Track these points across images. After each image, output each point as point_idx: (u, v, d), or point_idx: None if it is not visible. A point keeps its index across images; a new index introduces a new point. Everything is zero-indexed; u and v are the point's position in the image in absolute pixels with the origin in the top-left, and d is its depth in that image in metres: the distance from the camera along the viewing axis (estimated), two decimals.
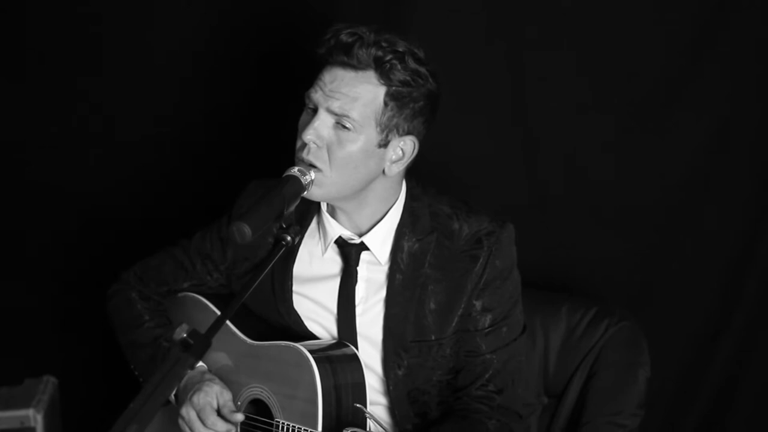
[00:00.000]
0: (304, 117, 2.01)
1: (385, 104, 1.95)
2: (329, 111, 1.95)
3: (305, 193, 1.95)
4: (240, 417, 2.02)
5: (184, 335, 1.47)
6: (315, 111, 1.97)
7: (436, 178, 2.27)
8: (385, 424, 1.85)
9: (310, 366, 1.95)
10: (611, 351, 2.35)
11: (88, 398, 3.06)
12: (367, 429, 1.89)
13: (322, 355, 1.98)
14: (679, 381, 2.93)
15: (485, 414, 2.04)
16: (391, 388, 2.05)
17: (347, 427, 1.84)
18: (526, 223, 2.74)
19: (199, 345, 1.47)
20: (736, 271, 2.81)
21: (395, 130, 1.98)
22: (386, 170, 2.01)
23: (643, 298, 2.77)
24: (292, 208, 1.89)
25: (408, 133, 1.99)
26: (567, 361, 2.39)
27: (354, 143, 1.95)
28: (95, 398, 3.04)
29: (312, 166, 1.96)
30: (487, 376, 2.05)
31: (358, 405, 1.94)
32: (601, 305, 2.42)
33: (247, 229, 1.77)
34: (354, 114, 1.94)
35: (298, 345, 2.00)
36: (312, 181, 1.94)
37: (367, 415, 1.87)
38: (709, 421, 3.00)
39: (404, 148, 2.01)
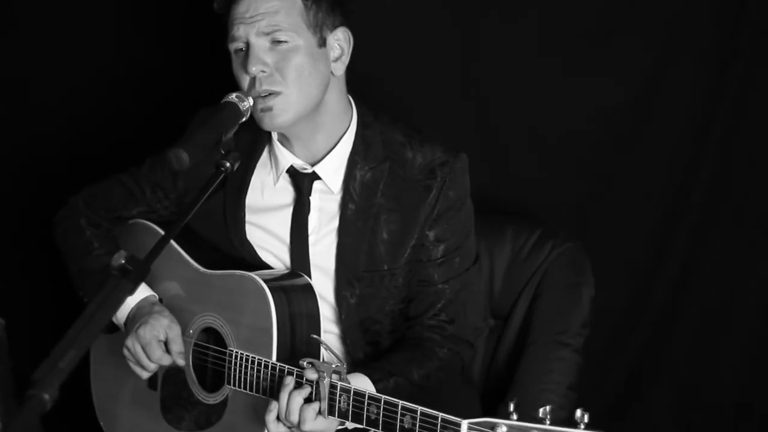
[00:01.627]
0: (236, 62, 1.99)
1: (305, 5, 1.95)
2: (260, 34, 1.93)
3: (272, 124, 1.96)
4: (182, 362, 2.03)
5: (122, 261, 1.46)
6: (246, 47, 1.95)
7: (386, 109, 2.26)
8: (339, 354, 1.85)
9: (265, 295, 1.94)
10: (556, 272, 2.38)
11: (35, 338, 3.04)
12: (321, 359, 1.90)
13: (277, 285, 1.98)
14: (624, 300, 2.98)
15: (436, 343, 2.06)
16: (343, 317, 2.06)
17: (301, 357, 1.84)
18: (470, 149, 2.74)
19: (138, 271, 1.45)
20: (677, 194, 2.85)
21: (325, 26, 1.98)
22: (333, 71, 2.00)
23: (586, 221, 2.79)
24: (231, 134, 1.87)
25: (337, 26, 2.00)
26: (512, 283, 2.42)
27: (297, 52, 1.95)
28: (43, 338, 3.01)
29: (271, 93, 1.94)
30: (439, 305, 2.07)
31: (314, 336, 1.94)
32: (546, 227, 2.45)
33: (184, 155, 1.75)
34: (283, 24, 1.93)
35: (252, 274, 2.00)
36: (250, 107, 1.92)
37: (323, 346, 1.87)
38: (653, 340, 3.05)
39: (340, 42, 2.01)
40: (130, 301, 2.08)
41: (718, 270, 2.97)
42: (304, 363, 1.81)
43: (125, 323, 2.09)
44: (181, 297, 2.11)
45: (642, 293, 2.99)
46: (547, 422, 1.51)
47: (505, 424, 1.54)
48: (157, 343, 2.01)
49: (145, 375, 2.05)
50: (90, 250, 2.18)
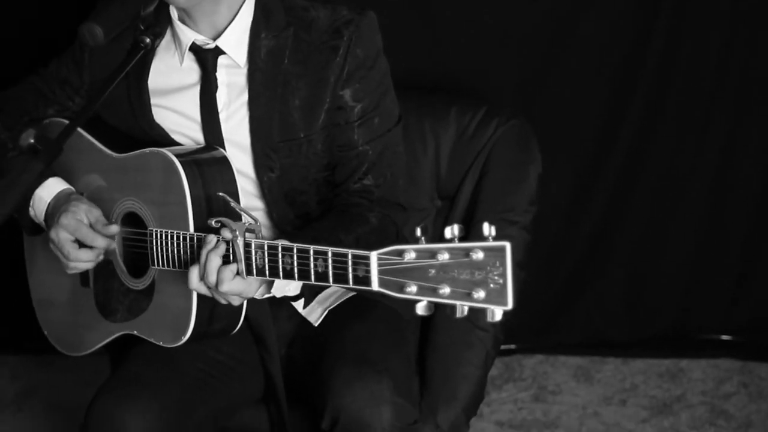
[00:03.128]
0: None
1: None
2: None
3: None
4: (115, 228, 1.95)
5: (32, 141, 1.37)
6: None
7: None
8: (251, 213, 1.78)
9: (175, 168, 1.88)
10: (502, 149, 2.32)
11: None
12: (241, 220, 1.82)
13: (188, 158, 1.91)
14: (575, 176, 2.94)
15: (365, 207, 1.99)
16: (266, 191, 1.99)
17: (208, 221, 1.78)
18: (411, 28, 2.66)
19: (49, 150, 1.36)
20: (625, 72, 2.79)
21: None
22: None
23: (532, 99, 2.73)
24: (151, 8, 1.76)
25: None
26: (458, 162, 2.35)
27: None
28: None
29: None
30: (363, 169, 2.00)
31: (220, 194, 1.87)
32: (490, 105, 2.38)
33: (97, 30, 1.65)
34: None
35: (162, 150, 1.93)
36: None
37: (231, 204, 1.80)
38: (603, 221, 3.03)
39: None
40: (46, 197, 2.00)
41: (667, 152, 2.95)
42: (212, 222, 1.76)
43: (45, 220, 2.00)
44: (103, 188, 2.03)
45: (590, 174, 2.96)
46: (456, 241, 1.46)
47: (414, 249, 1.48)
48: (86, 227, 1.94)
49: (76, 266, 1.97)
50: (4, 153, 2.09)
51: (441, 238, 1.50)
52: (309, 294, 1.94)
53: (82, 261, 1.95)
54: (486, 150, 2.32)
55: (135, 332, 1.99)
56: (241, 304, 1.91)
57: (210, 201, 1.88)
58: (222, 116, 1.98)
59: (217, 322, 1.92)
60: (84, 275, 2.07)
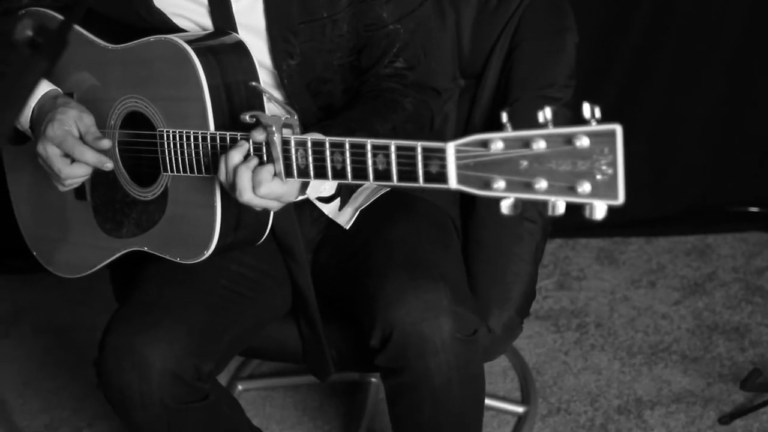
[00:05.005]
0: None
1: None
2: None
3: None
4: (107, 143, 1.68)
5: (29, 33, 1.11)
6: None
7: None
8: (287, 106, 1.53)
9: (189, 58, 1.61)
10: (533, 18, 2.07)
11: None
12: (267, 112, 1.58)
13: (201, 46, 1.64)
14: (595, 47, 2.73)
15: (398, 92, 1.75)
16: (285, 81, 1.73)
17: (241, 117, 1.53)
18: None
19: (52, 43, 1.10)
20: None
21: None
22: None
23: None
24: None
25: None
26: (483, 35, 2.10)
27: None
28: None
29: None
30: (394, 50, 1.75)
31: (253, 83, 1.62)
32: None
33: None
34: None
35: (170, 37, 1.66)
36: None
37: (265, 96, 1.55)
38: (627, 90, 2.84)
39: None
40: (31, 100, 1.73)
41: (690, 16, 2.75)
42: (247, 117, 1.50)
43: (31, 128, 1.74)
44: (96, 86, 1.76)
45: (611, 45, 2.76)
46: (550, 126, 1.24)
47: (501, 138, 1.26)
48: (74, 138, 1.67)
49: (67, 183, 1.71)
50: None
51: (496, 125, 1.28)
52: (346, 193, 1.71)
53: (76, 177, 1.69)
54: (515, 19, 2.07)
55: (145, 249, 1.75)
56: (268, 211, 1.68)
57: (230, 94, 1.63)
58: None
59: (242, 232, 1.68)
60: (79, 187, 1.82)
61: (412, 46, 1.76)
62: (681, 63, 2.84)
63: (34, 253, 1.95)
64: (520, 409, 2.38)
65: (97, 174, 1.76)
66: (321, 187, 1.65)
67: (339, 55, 1.75)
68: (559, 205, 1.26)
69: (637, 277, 2.84)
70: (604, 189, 1.22)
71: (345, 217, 1.80)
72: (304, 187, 1.60)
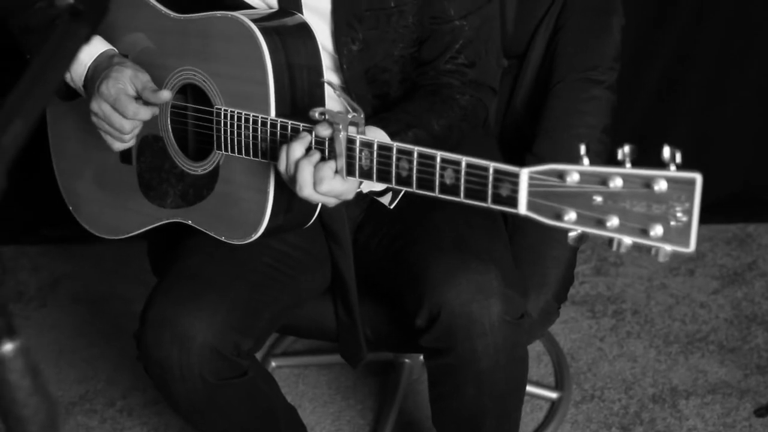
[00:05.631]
0: None
1: None
2: None
3: None
4: (167, 94, 1.65)
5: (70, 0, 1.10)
6: None
7: None
8: (355, 103, 1.51)
9: (255, 38, 1.59)
10: None
11: None
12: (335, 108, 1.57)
13: (267, 25, 1.62)
14: (643, 30, 2.70)
15: (456, 89, 1.73)
16: (345, 66, 1.71)
17: (303, 110, 1.51)
18: None
19: (94, 9, 1.09)
20: None
21: None
22: None
23: None
24: None
25: None
26: (528, 15, 2.07)
27: None
28: None
29: None
30: (457, 46, 1.73)
31: (324, 80, 1.61)
32: None
33: None
34: None
35: (236, 13, 1.63)
36: None
37: (336, 92, 1.53)
38: (667, 75, 2.80)
39: None
40: (85, 59, 1.72)
41: (734, 12, 2.70)
42: (316, 114, 1.48)
43: (84, 86, 1.73)
44: (152, 50, 1.74)
45: (651, 32, 2.71)
46: (628, 164, 1.22)
47: (578, 171, 1.24)
48: (127, 97, 1.65)
49: (117, 144, 1.71)
50: (31, 3, 1.80)
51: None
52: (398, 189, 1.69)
53: (128, 137, 1.68)
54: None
55: (189, 222, 1.74)
56: None
57: (293, 79, 1.61)
58: None
59: (291, 216, 1.67)
60: (126, 151, 1.81)
61: (475, 44, 1.73)
62: (724, 51, 2.79)
63: (71, 208, 1.94)
64: (553, 395, 2.37)
65: (146, 141, 1.76)
66: (376, 184, 1.64)
67: (401, 45, 1.73)
68: (625, 243, 1.24)
69: (675, 264, 2.81)
70: (676, 235, 1.21)
71: (389, 197, 1.79)
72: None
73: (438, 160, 1.38)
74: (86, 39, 1.10)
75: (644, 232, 1.21)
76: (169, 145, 1.75)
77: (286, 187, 1.54)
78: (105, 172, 1.87)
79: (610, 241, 1.23)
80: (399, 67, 1.75)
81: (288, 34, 1.63)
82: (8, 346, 0.94)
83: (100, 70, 1.69)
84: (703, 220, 2.92)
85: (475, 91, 1.74)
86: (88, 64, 1.72)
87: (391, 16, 1.70)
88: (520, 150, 2.03)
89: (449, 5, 1.71)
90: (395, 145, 1.43)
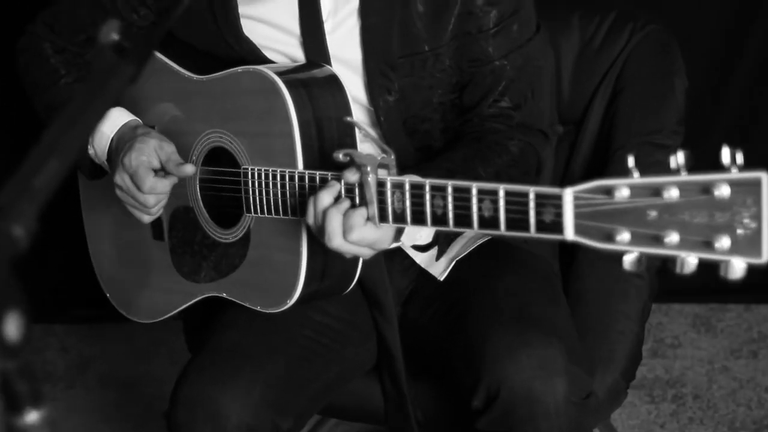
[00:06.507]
0: None
1: None
2: None
3: None
4: (191, 168, 1.58)
5: (115, 36, 1.01)
6: None
7: None
8: (381, 144, 1.41)
9: (278, 90, 1.50)
10: (639, 61, 1.93)
11: None
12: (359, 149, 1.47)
13: (292, 78, 1.53)
14: (706, 89, 2.61)
15: (503, 134, 1.61)
16: (382, 119, 1.60)
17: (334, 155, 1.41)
18: None
19: (139, 47, 1.00)
20: None
21: None
22: None
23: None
24: None
25: None
26: (585, 79, 1.97)
27: None
28: None
29: None
30: (500, 88, 1.62)
31: (348, 118, 1.51)
32: (621, 8, 1.99)
33: None
34: None
35: (258, 67, 1.55)
36: None
37: (361, 132, 1.44)
38: (736, 134, 2.69)
39: None
40: (108, 131, 1.65)
41: None
42: (340, 155, 1.38)
43: (108, 159, 1.65)
44: (178, 119, 1.66)
45: (722, 85, 2.62)
46: (683, 173, 1.11)
47: (627, 185, 1.13)
48: (146, 170, 1.57)
49: (146, 217, 1.61)
50: (56, 80, 1.74)
51: (597, 176, 1.17)
52: (444, 241, 1.57)
53: (153, 211, 1.59)
54: (619, 62, 1.93)
55: (224, 295, 1.63)
56: (357, 258, 1.55)
57: (321, 131, 1.51)
58: (327, 26, 1.60)
59: (328, 281, 1.56)
60: (157, 226, 1.71)
61: (518, 84, 1.63)
62: None
63: (108, 295, 1.84)
64: None
65: (177, 214, 1.66)
66: (417, 235, 1.53)
67: (440, 92, 1.63)
68: (690, 262, 1.14)
69: (736, 346, 2.66)
70: (745, 245, 1.09)
71: (439, 267, 1.67)
72: (398, 233, 1.47)
73: (474, 192, 1.28)
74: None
75: (708, 246, 1.09)
76: (200, 215, 1.66)
77: (321, 246, 1.43)
78: (138, 250, 1.78)
79: (671, 261, 1.12)
80: (439, 116, 1.65)
81: (315, 86, 1.54)
82: (33, 416, 0.83)
83: (123, 141, 1.61)
84: (764, 300, 2.82)
85: (524, 135, 1.63)
86: (111, 136, 1.64)
87: (426, 61, 1.60)
88: None
89: (488, 45, 1.60)
90: (428, 181, 1.32)
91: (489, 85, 1.62)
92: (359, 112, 1.62)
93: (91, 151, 1.67)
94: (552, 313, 1.58)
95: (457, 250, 1.67)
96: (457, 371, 1.56)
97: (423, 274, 1.69)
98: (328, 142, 1.51)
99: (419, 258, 1.68)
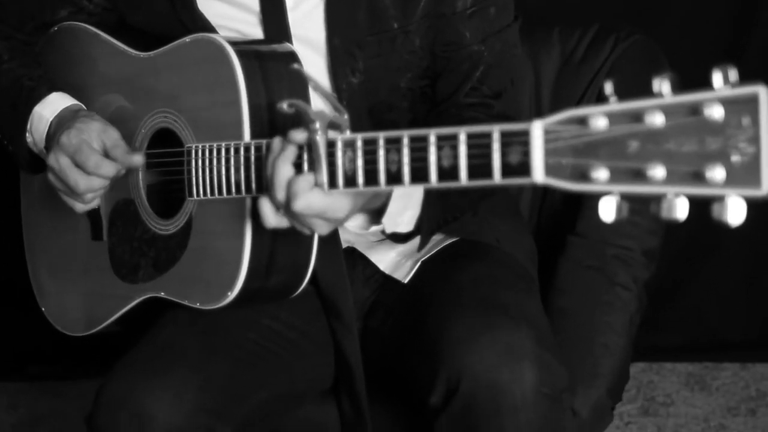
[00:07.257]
0: None
1: None
2: None
3: None
4: (139, 159, 1.44)
5: None
6: None
7: None
8: (333, 100, 1.26)
9: (226, 54, 1.36)
10: (624, 72, 1.81)
11: None
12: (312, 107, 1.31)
13: (245, 48, 1.40)
14: None
15: (482, 123, 1.48)
16: (344, 103, 1.46)
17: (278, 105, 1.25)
18: None
19: None
20: None
21: None
22: None
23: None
24: None
25: None
26: (566, 93, 1.86)
27: None
28: None
29: None
30: (477, 74, 1.49)
31: (295, 66, 1.36)
32: (603, 22, 1.88)
33: None
34: None
35: (208, 34, 1.42)
36: None
37: (311, 85, 1.29)
38: None
39: None
40: (47, 114, 1.52)
41: None
42: (284, 105, 1.22)
43: (46, 146, 1.51)
44: (125, 108, 1.52)
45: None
46: (670, 94, 0.96)
47: (604, 113, 0.98)
48: (90, 148, 1.42)
49: (79, 205, 1.46)
50: None
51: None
52: (428, 227, 1.41)
53: (95, 190, 1.44)
54: (602, 75, 1.82)
55: (162, 294, 1.46)
56: (309, 252, 1.40)
57: (271, 100, 1.35)
58: (288, 3, 1.48)
59: (276, 275, 1.39)
60: (96, 225, 1.56)
61: (497, 71, 1.50)
62: None
63: (43, 310, 1.68)
64: None
65: (117, 208, 1.51)
66: (399, 219, 1.37)
67: (408, 75, 1.50)
68: (678, 204, 0.97)
69: (734, 404, 2.49)
70: (742, 174, 0.93)
71: (403, 270, 1.52)
72: (373, 217, 1.33)
73: (432, 139, 1.12)
74: None
75: (699, 177, 0.93)
76: (141, 207, 1.51)
77: (268, 233, 1.29)
78: (75, 255, 1.62)
79: (658, 203, 0.95)
80: (408, 104, 1.51)
81: (270, 59, 1.40)
82: None
83: (62, 124, 1.47)
84: (760, 358, 2.66)
85: None
86: (51, 119, 1.51)
87: (395, 39, 1.47)
88: (559, 245, 1.77)
89: (464, 28, 1.48)
90: (382, 134, 1.16)
91: (466, 72, 1.49)
92: (320, 97, 1.49)
93: (29, 139, 1.54)
94: (521, 299, 1.40)
95: (423, 251, 1.51)
96: (414, 370, 1.38)
97: (385, 283, 1.54)
98: (281, 120, 1.37)
99: (383, 264, 1.53)
